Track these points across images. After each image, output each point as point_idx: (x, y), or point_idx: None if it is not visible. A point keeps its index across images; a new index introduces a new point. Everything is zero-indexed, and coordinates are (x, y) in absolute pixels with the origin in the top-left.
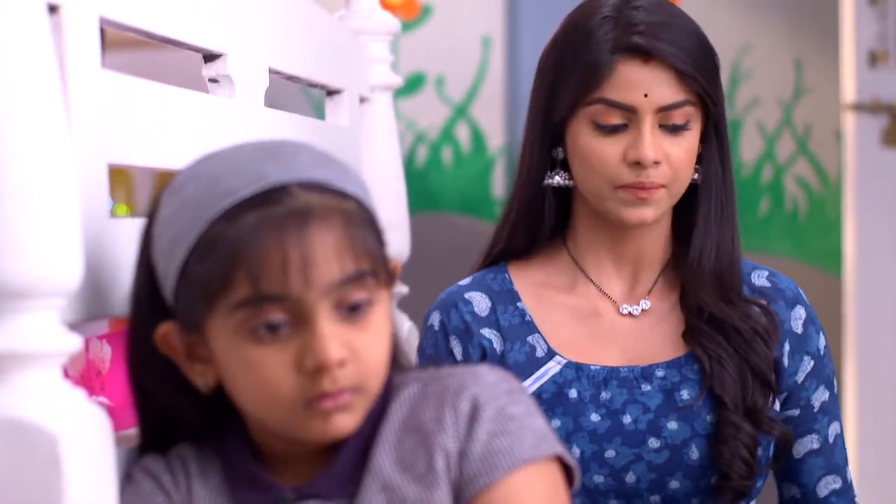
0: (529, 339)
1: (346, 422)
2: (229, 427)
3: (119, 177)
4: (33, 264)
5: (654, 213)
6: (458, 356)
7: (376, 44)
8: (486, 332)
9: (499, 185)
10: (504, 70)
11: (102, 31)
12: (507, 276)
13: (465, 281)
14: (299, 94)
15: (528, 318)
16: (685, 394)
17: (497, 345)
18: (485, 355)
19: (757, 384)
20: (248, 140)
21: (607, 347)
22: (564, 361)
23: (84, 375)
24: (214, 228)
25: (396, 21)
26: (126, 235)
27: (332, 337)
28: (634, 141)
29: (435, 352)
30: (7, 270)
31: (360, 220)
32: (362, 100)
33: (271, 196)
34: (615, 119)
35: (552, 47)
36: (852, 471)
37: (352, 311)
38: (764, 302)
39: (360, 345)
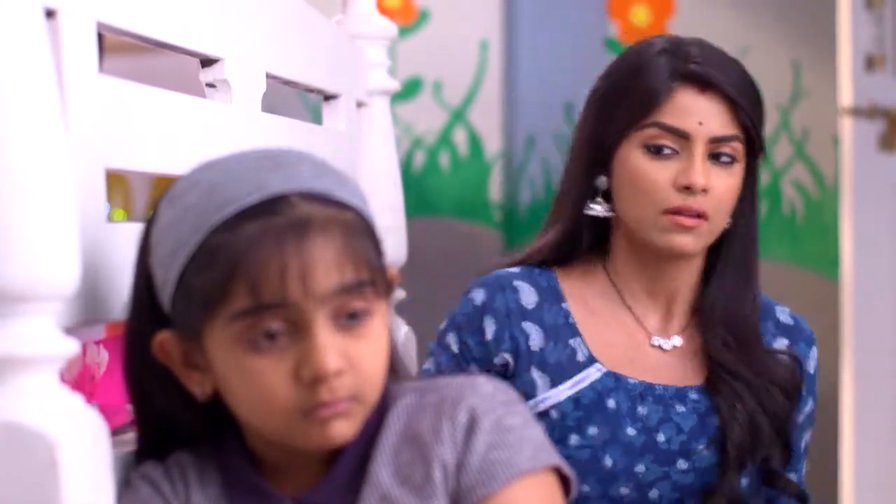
0: (571, 341)
1: (343, 429)
2: (227, 435)
3: (116, 182)
4: (30, 268)
5: (695, 244)
6: (489, 335)
7: (373, 48)
8: (528, 326)
9: (496, 189)
10: (502, 75)
11: (100, 36)
12: (553, 274)
13: (514, 269)
14: (296, 98)
15: (571, 320)
16: (716, 420)
17: (537, 340)
18: (517, 348)
19: (772, 439)
20: (248, 148)
21: (642, 365)
22: (604, 370)
23: (78, 380)
24: (214, 238)
25: (393, 25)
26: (123, 240)
27: (330, 347)
28: (685, 167)
29: (466, 322)
30: (4, 275)
31: (359, 230)
32: (359, 104)
33: (271, 206)
34: (668, 144)
35: (605, 78)
36: (849, 475)
37: (350, 321)
38: (793, 353)
39: (358, 354)
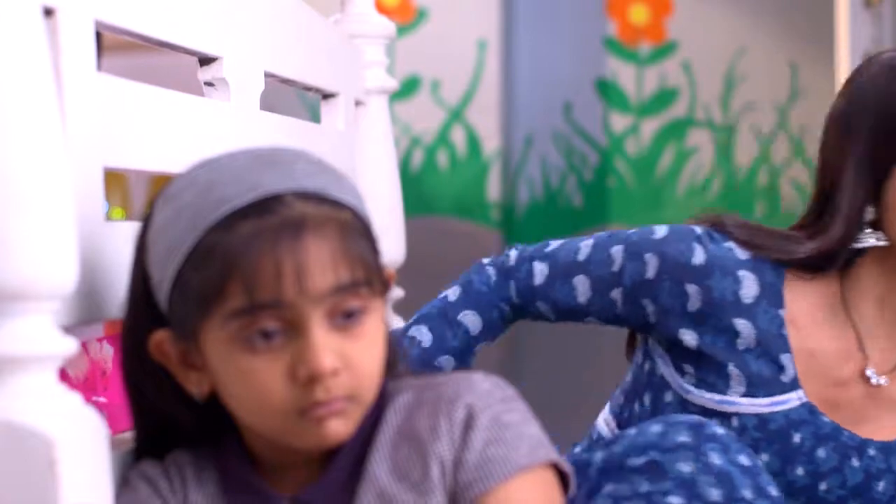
0: (781, 357)
1: (339, 428)
2: (225, 434)
3: (115, 180)
4: (28, 267)
5: None
6: (689, 307)
7: (372, 47)
8: (740, 323)
9: (494, 188)
10: (500, 73)
11: (98, 35)
12: (782, 274)
13: (744, 255)
14: (295, 97)
15: (783, 331)
16: (881, 485)
17: (746, 339)
18: (718, 342)
19: None
20: (244, 147)
21: (840, 399)
22: (804, 400)
23: (89, 377)
24: (209, 237)
25: (392, 24)
26: (121, 239)
27: (326, 346)
28: None
29: (672, 268)
30: (1, 273)
31: (354, 229)
32: (358, 103)
33: (267, 205)
34: None
35: (886, 97)
36: None
37: (345, 320)
38: None
39: (354, 354)
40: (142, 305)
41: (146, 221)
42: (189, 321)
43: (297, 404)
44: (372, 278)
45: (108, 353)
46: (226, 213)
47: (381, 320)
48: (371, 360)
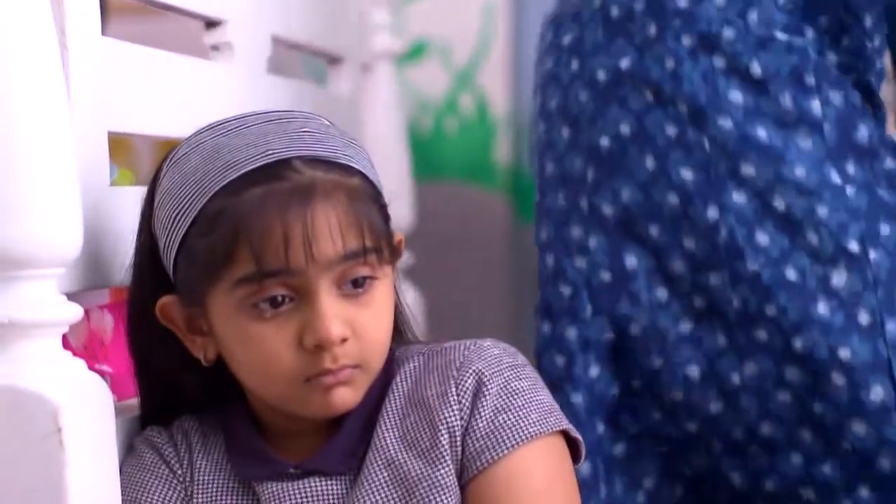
0: None
1: (346, 396)
2: (231, 401)
3: (119, 146)
4: (33, 233)
5: None
6: None
7: (379, 11)
8: None
9: (503, 153)
10: (509, 37)
11: None
12: None
13: None
14: (300, 63)
15: None
16: None
17: None
18: None
19: None
20: (252, 110)
21: None
22: None
23: (87, 345)
24: (217, 202)
25: None
26: (127, 204)
27: (334, 314)
28: None
29: None
30: (6, 239)
31: (364, 196)
32: (365, 68)
33: (275, 171)
34: None
35: None
36: None
37: (354, 288)
38: None
39: (362, 322)
40: (148, 270)
41: (153, 185)
42: (196, 287)
43: (304, 372)
44: (381, 245)
45: (108, 323)
46: (234, 177)
47: (390, 288)
48: (379, 329)
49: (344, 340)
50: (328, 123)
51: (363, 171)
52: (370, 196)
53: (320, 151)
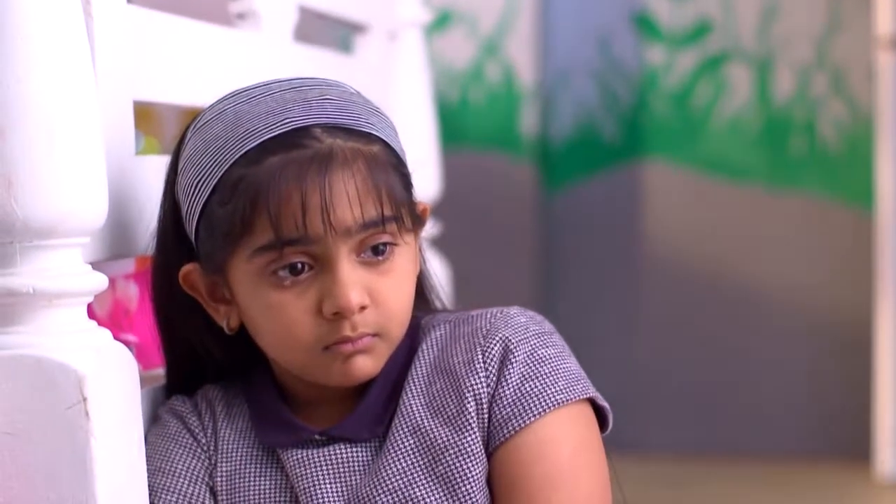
0: None
1: (366, 365)
2: (256, 370)
3: (145, 114)
4: (58, 203)
5: None
6: None
7: None
8: None
9: (529, 122)
10: (536, 6)
11: None
12: None
13: None
14: (327, 32)
15: None
16: None
17: None
18: None
19: None
20: (275, 78)
21: None
22: None
23: (112, 315)
24: (236, 170)
25: None
26: (152, 173)
27: (353, 282)
28: None
29: None
30: (31, 209)
31: (384, 164)
32: (391, 36)
33: (294, 138)
34: None
35: None
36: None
37: (374, 256)
38: None
39: (382, 290)
40: (172, 237)
41: (177, 150)
42: (216, 255)
43: (323, 340)
44: (401, 214)
45: (133, 293)
46: (253, 146)
47: (412, 256)
48: (400, 297)
49: (363, 308)
50: (352, 91)
51: (385, 138)
52: (391, 164)
53: (340, 119)
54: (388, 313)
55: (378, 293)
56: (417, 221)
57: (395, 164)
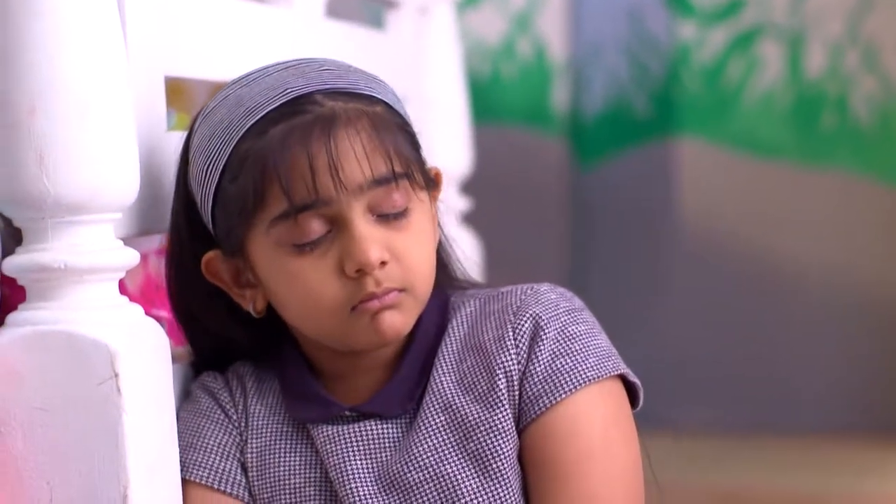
0: None
1: (394, 320)
2: (284, 347)
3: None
4: (90, 178)
5: None
6: None
7: None
8: None
9: (560, 98)
10: None
11: None
12: None
13: None
14: (360, 7)
15: None
16: None
17: None
18: None
19: None
20: (277, 61)
21: None
22: None
23: (144, 290)
24: (243, 147)
25: None
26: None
27: (370, 238)
28: None
29: None
30: (63, 185)
31: (388, 123)
32: (423, 11)
33: (296, 106)
34: None
35: None
36: None
37: (389, 214)
38: None
39: (400, 245)
40: (187, 227)
41: (186, 142)
42: (234, 234)
43: (349, 300)
44: (411, 171)
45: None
46: (256, 120)
47: (428, 216)
48: (420, 252)
49: (384, 264)
50: (350, 64)
51: (387, 101)
52: (395, 123)
53: (340, 84)
54: (410, 267)
55: (397, 249)
56: (431, 183)
57: (400, 124)
